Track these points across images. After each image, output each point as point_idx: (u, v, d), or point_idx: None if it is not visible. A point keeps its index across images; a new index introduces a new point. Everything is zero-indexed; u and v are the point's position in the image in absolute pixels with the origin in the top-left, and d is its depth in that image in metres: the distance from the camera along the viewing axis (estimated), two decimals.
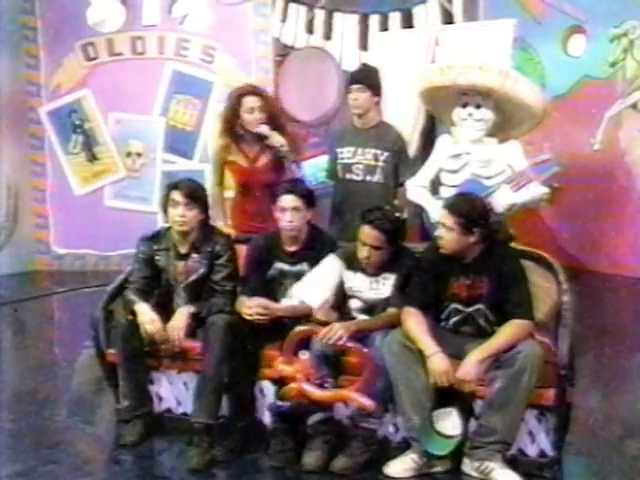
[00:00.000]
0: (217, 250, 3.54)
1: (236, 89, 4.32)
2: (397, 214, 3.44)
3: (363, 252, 3.28)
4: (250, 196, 4.26)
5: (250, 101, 4.12)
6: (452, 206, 3.16)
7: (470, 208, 3.15)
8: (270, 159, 4.19)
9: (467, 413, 3.08)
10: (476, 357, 2.99)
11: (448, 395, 3.06)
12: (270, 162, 4.19)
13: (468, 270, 3.16)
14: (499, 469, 2.95)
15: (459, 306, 3.19)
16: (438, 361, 2.98)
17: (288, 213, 3.43)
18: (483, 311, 3.16)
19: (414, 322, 3.11)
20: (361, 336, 3.19)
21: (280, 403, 3.15)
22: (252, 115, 4.11)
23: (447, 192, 4.02)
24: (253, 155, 4.21)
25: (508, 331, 3.04)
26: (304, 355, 3.13)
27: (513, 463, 3.01)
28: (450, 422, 3.03)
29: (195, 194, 3.52)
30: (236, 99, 4.16)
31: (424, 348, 3.02)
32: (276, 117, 4.23)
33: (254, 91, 4.22)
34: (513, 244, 3.51)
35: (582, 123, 6.84)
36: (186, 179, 3.63)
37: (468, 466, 3.03)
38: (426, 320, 3.14)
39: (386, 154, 4.21)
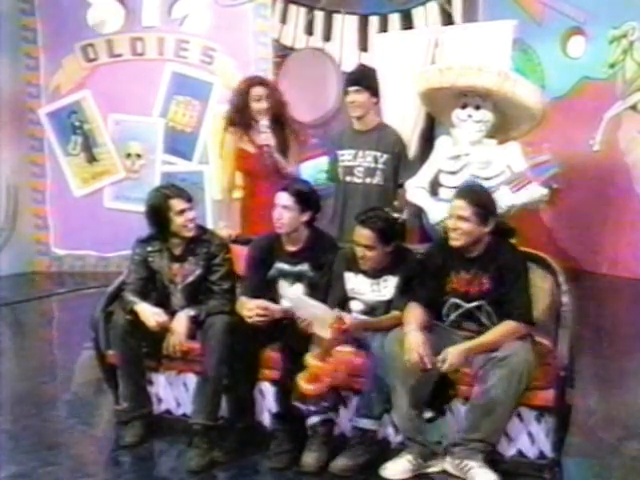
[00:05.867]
0: (212, 251, 3.56)
1: (245, 79, 4.51)
2: (396, 215, 3.43)
3: (358, 252, 3.30)
4: (258, 189, 4.28)
5: (258, 90, 4.27)
6: (469, 196, 3.16)
7: (486, 197, 3.20)
8: (276, 145, 4.24)
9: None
10: (460, 347, 3.00)
11: (445, 393, 3.08)
12: (276, 148, 4.24)
13: (470, 265, 3.15)
14: (477, 468, 2.94)
15: (458, 301, 3.18)
16: (411, 337, 3.01)
17: (277, 210, 3.46)
18: (485, 308, 3.14)
19: (411, 314, 3.15)
20: (360, 337, 3.20)
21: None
22: (259, 104, 4.23)
23: (446, 193, 4.02)
24: (260, 142, 4.25)
25: (500, 331, 3.06)
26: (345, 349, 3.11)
27: (494, 465, 3.00)
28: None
29: (191, 196, 3.57)
30: (245, 89, 4.31)
31: (405, 327, 3.07)
32: (281, 108, 4.34)
33: (262, 81, 4.42)
34: (514, 240, 3.49)
35: (581, 124, 6.84)
36: (170, 185, 3.72)
37: (449, 464, 3.04)
38: (425, 315, 3.16)
39: (385, 156, 4.21)
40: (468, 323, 3.19)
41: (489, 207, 3.15)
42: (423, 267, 3.28)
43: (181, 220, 3.49)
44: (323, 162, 4.77)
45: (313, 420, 3.17)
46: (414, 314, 3.15)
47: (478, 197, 3.16)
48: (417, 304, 3.18)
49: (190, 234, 3.52)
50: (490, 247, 3.16)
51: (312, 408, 3.09)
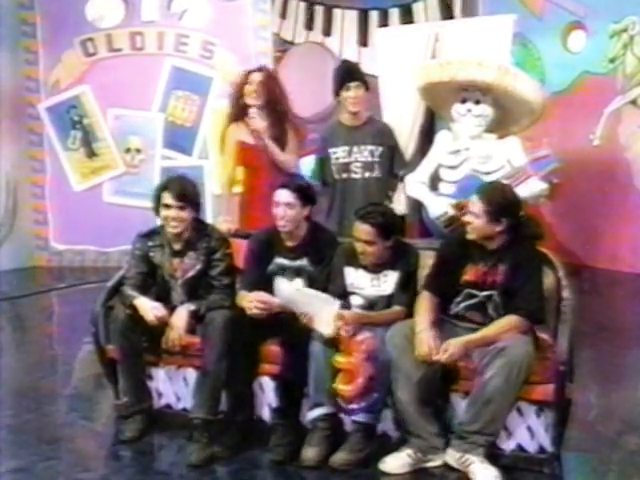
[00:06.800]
0: (212, 245, 3.55)
1: (246, 70, 4.43)
2: (392, 207, 3.44)
3: (358, 248, 3.30)
4: (257, 183, 4.27)
5: (254, 76, 4.24)
6: (483, 193, 3.15)
7: (501, 197, 3.15)
8: (271, 134, 4.21)
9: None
10: (461, 339, 3.02)
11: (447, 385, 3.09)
12: (269, 135, 4.21)
13: (489, 257, 3.15)
14: (478, 463, 2.95)
15: (473, 291, 3.17)
16: (422, 337, 3.02)
17: (280, 208, 3.44)
18: (495, 299, 3.13)
19: (422, 304, 3.17)
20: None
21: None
22: (251, 86, 4.20)
23: (446, 188, 4.03)
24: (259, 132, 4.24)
25: (502, 325, 3.05)
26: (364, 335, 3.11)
27: (494, 459, 3.01)
28: None
29: (186, 194, 3.51)
30: (244, 79, 4.27)
31: (416, 325, 3.07)
32: (275, 94, 4.27)
33: (260, 68, 4.39)
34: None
35: (581, 119, 6.84)
36: (175, 178, 3.64)
37: (450, 458, 3.05)
38: (435, 305, 3.18)
39: (381, 149, 4.22)
40: (473, 313, 3.18)
41: (502, 207, 3.10)
42: (438, 256, 3.29)
43: (163, 213, 3.48)
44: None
45: (313, 414, 3.17)
46: (426, 305, 3.16)
47: (492, 196, 3.12)
48: (429, 293, 3.20)
49: (173, 231, 3.49)
50: (509, 242, 3.15)
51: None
